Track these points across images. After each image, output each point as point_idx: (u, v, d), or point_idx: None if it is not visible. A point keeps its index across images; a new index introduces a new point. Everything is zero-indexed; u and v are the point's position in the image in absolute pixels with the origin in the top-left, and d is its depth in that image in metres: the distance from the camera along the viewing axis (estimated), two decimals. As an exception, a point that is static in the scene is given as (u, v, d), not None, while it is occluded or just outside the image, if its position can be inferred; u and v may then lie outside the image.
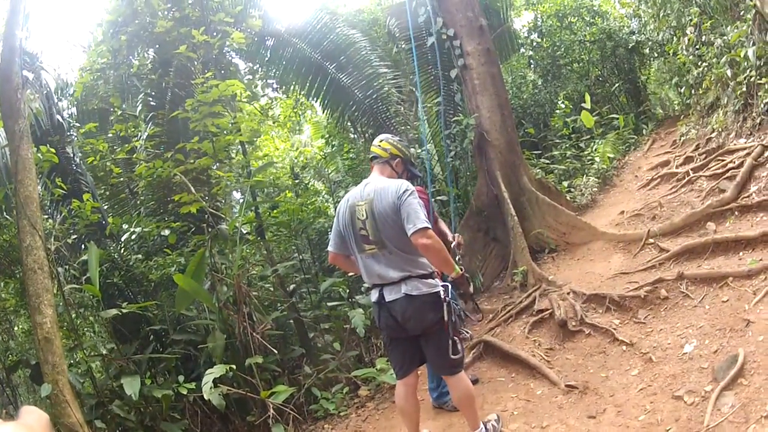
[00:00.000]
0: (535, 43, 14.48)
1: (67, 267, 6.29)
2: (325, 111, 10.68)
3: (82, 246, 7.22)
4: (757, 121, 7.62)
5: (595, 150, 11.12)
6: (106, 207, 8.43)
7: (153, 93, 8.39)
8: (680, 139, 10.50)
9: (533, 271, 7.18)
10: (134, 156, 8.00)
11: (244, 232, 7.42)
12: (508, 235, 7.86)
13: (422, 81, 9.92)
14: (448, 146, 8.81)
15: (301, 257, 8.50)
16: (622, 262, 6.80)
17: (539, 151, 11.86)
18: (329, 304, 7.31)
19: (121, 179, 8.40)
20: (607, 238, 7.48)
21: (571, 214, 8.06)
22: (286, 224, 8.25)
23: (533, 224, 8.01)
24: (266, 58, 10.09)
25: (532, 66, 14.74)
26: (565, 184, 10.23)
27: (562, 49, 13.97)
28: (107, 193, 8.76)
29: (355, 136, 11.49)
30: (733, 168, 7.24)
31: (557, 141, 12.30)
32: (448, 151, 8.87)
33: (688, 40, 9.76)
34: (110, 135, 8.60)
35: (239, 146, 7.97)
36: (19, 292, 6.82)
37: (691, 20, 9.76)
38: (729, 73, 8.16)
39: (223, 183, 7.08)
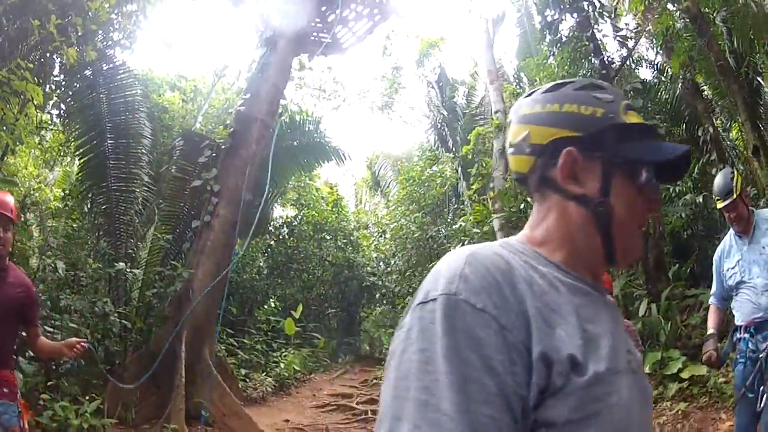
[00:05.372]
0: (281, 237, 15.03)
1: None
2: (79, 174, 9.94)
3: None
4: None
5: (284, 356, 11.38)
6: None
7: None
8: (372, 381, 11.16)
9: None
10: None
11: None
12: (172, 390, 7.46)
13: (167, 213, 9.79)
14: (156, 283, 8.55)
15: None
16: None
17: (233, 332, 11.64)
18: None
19: None
20: (264, 437, 7.37)
21: (236, 402, 7.90)
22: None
23: (199, 393, 7.69)
24: (74, 87, 9.34)
25: (267, 254, 14.95)
26: (243, 372, 10.16)
27: (302, 256, 14.64)
28: None
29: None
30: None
31: (253, 331, 12.31)
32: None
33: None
34: None
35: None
36: None
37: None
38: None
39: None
